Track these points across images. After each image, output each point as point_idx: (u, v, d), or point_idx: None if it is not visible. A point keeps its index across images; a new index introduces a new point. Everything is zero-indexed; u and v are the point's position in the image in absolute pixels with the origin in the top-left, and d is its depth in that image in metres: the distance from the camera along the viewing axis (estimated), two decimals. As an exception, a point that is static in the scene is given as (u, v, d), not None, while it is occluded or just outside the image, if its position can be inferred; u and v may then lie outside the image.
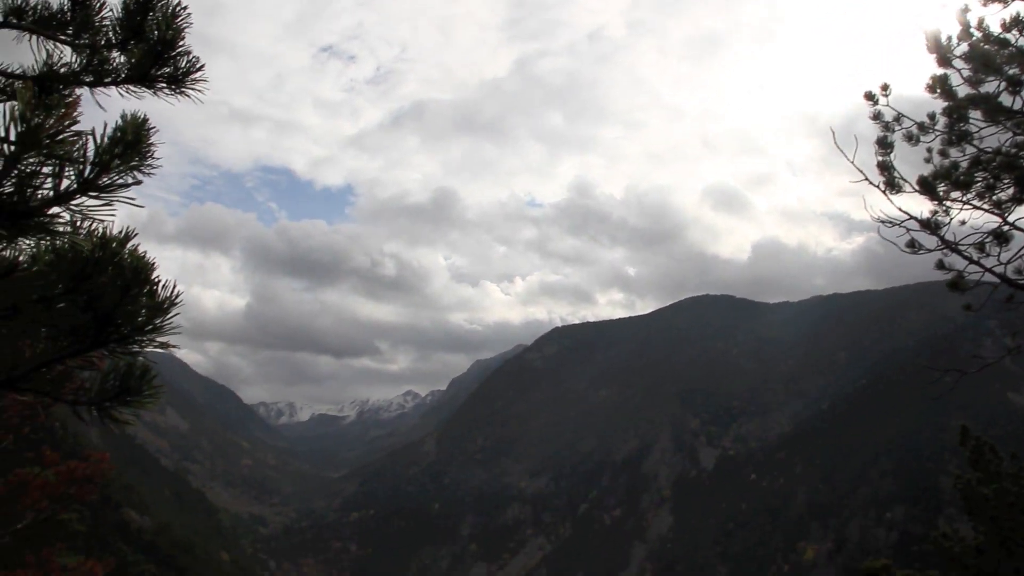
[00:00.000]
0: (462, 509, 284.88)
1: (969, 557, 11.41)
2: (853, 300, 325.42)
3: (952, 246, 9.85)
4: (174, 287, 2.03)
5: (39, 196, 1.76)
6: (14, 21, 2.74)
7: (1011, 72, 9.43)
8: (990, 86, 9.63)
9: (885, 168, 9.88)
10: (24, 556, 12.36)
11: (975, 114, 9.75)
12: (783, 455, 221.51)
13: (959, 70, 9.67)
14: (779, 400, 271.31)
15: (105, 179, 1.80)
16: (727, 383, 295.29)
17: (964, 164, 9.84)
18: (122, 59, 2.82)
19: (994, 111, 9.64)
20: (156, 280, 1.99)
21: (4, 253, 1.90)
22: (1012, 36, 9.35)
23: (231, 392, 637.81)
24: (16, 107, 1.67)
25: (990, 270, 9.72)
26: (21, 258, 1.88)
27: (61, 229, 1.82)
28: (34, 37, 2.76)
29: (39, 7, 2.79)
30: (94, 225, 1.87)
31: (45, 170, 1.74)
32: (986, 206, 9.90)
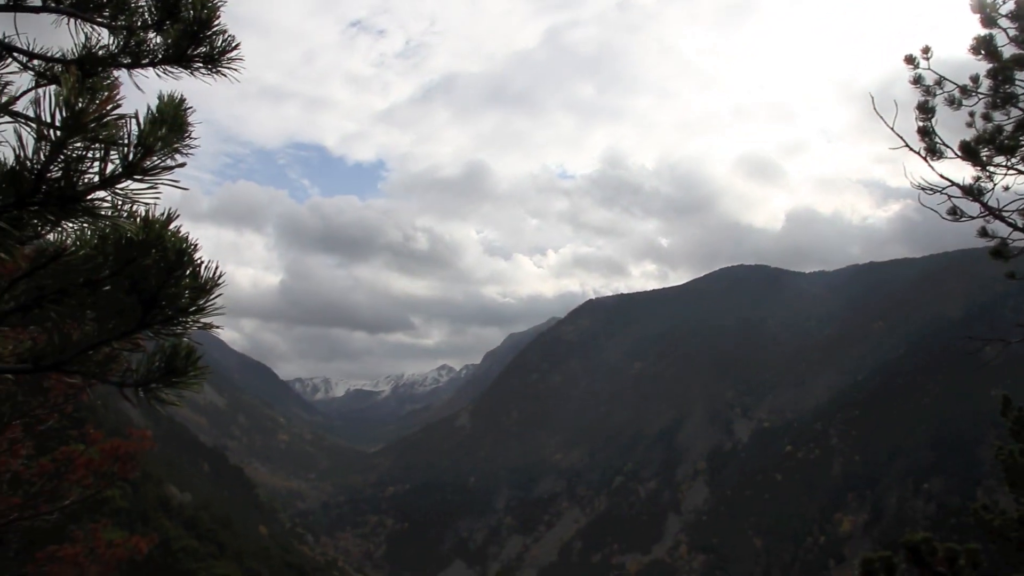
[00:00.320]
0: (497, 482, 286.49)
1: (1011, 529, 11.22)
2: (891, 268, 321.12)
3: (995, 213, 9.63)
4: (216, 268, 2.02)
5: (85, 181, 1.76)
6: (52, 4, 2.73)
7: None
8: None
9: (926, 134, 9.66)
10: (72, 532, 12.61)
11: (1021, 76, 9.49)
12: (819, 426, 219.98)
13: (1005, 30, 9.40)
14: (815, 371, 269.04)
15: (149, 162, 1.81)
16: (762, 354, 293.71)
17: (1009, 128, 9.59)
18: (158, 40, 2.81)
19: (1041, 72, 9.39)
20: (199, 261, 2.00)
21: (50, 236, 1.91)
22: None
23: (267, 369, 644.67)
24: (61, 92, 1.67)
25: (1035, 237, 9.51)
26: (68, 241, 1.90)
27: (106, 213, 1.83)
28: (72, 20, 2.74)
29: (77, -10, 2.75)
30: (137, 208, 1.87)
31: (90, 154, 1.74)
32: (1031, 171, 9.67)
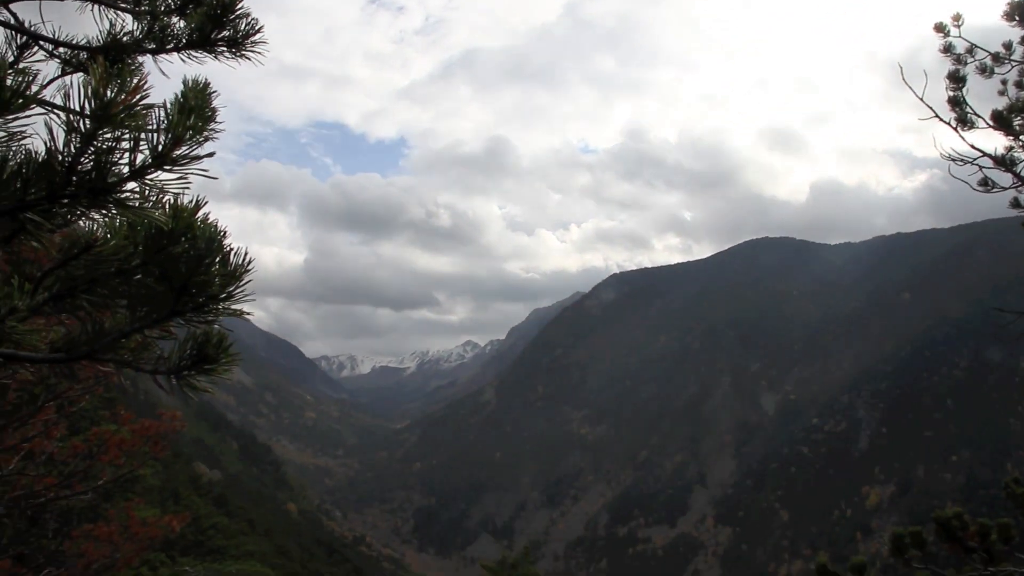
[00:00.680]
0: (523, 457, 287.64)
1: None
2: (918, 239, 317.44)
3: (1029, 183, 9.47)
4: (245, 254, 2.03)
5: (115, 172, 1.76)
6: (77, -9, 2.63)
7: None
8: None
9: (957, 103, 9.48)
10: (106, 511, 12.81)
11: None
12: (845, 399, 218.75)
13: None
14: (841, 343, 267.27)
15: (178, 152, 1.81)
16: (787, 326, 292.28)
17: (1043, 96, 9.41)
18: (182, 25, 2.80)
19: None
20: (228, 248, 2.00)
21: (79, 224, 1.91)
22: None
23: (293, 347, 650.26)
24: (89, 82, 1.67)
25: (1069, 208, 9.35)
26: (99, 232, 1.90)
27: (136, 203, 1.83)
28: (96, 6, 2.73)
29: (100, -24, 2.73)
30: (166, 197, 1.88)
31: (120, 145, 1.74)
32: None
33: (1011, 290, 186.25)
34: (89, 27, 2.74)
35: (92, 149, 1.71)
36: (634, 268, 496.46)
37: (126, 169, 1.77)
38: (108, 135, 1.71)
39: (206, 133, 1.85)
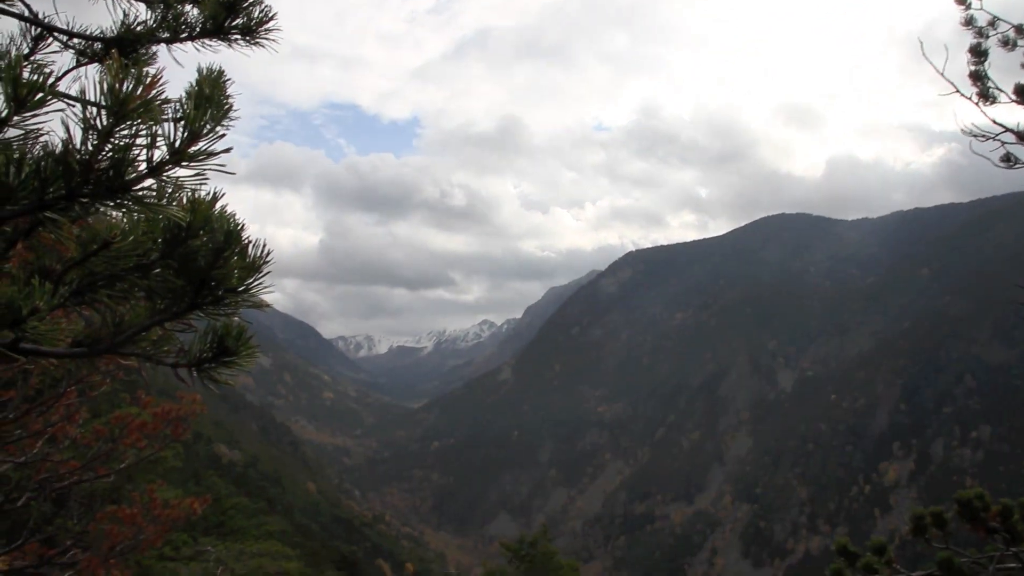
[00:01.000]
0: (541, 436, 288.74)
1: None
2: (936, 214, 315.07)
3: (1052, 159, 9.35)
4: (264, 246, 2.02)
5: (132, 170, 1.75)
6: (90, -19, 2.65)
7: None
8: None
9: (978, 78, 9.34)
10: (129, 493, 12.93)
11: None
12: (863, 374, 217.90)
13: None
14: (858, 319, 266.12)
15: (195, 147, 1.78)
16: (804, 303, 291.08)
17: (1067, 69, 9.26)
18: (195, 13, 2.77)
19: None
20: (247, 240, 1.99)
21: (97, 215, 1.89)
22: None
23: (310, 328, 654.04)
24: (105, 77, 1.64)
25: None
26: (120, 224, 1.90)
27: (154, 200, 1.82)
28: (109, -4, 2.68)
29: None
30: (184, 192, 1.87)
31: (137, 141, 1.72)
32: (1090, 114, 9.36)
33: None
34: (103, 17, 2.71)
35: (109, 147, 1.69)
36: (650, 246, 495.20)
37: (143, 166, 1.76)
38: (125, 132, 1.69)
39: (222, 125, 1.84)
